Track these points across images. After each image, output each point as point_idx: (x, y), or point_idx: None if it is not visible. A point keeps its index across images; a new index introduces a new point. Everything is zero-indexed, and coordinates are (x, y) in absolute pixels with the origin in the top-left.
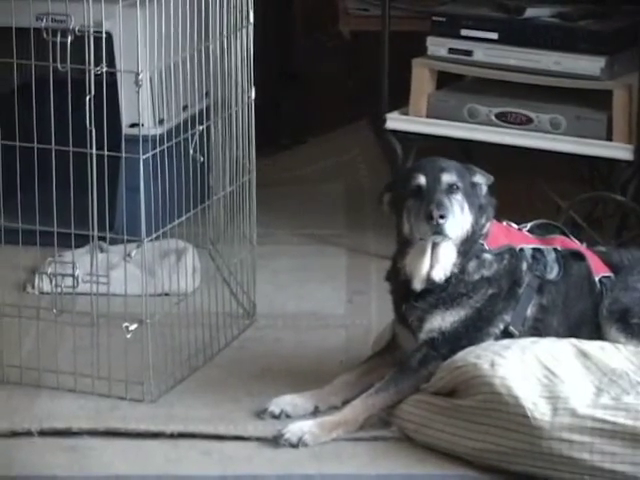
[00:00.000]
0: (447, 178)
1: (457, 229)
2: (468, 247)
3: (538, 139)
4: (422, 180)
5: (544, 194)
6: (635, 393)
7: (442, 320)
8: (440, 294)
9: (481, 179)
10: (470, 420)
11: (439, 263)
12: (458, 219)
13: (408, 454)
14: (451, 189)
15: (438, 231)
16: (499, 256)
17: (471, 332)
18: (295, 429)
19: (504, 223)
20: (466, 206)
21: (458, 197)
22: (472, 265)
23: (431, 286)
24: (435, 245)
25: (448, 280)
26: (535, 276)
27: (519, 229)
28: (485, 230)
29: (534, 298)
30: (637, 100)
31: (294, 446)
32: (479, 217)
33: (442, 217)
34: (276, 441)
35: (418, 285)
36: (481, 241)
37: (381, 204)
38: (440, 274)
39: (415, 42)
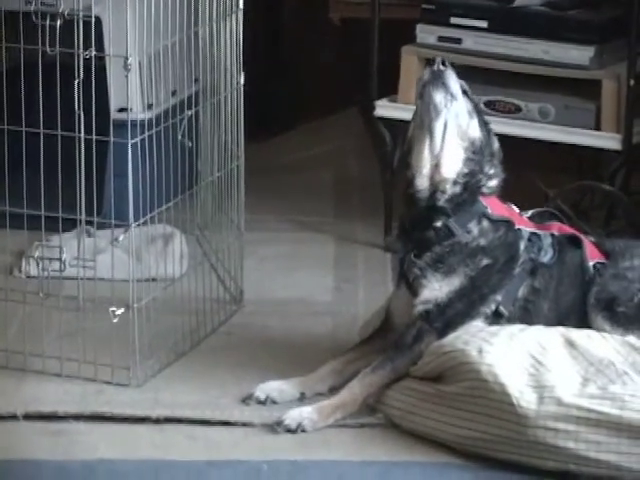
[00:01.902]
0: (463, 82)
1: (457, 113)
2: (471, 179)
3: (526, 128)
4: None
5: (532, 183)
6: (621, 383)
7: (439, 289)
8: (444, 249)
9: (496, 140)
10: (456, 407)
11: (447, 159)
12: (461, 109)
13: (394, 441)
14: (463, 90)
15: (436, 76)
16: (495, 225)
17: (465, 307)
18: (294, 415)
19: (506, 205)
20: (476, 117)
21: (468, 100)
22: (475, 228)
23: (437, 201)
24: (442, 141)
25: (450, 235)
26: (529, 258)
27: (519, 214)
28: (491, 184)
29: (526, 279)
30: (626, 90)
31: (293, 432)
32: (487, 155)
33: (444, 64)
34: (276, 427)
35: (421, 182)
36: (484, 202)
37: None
38: (449, 172)
39: (405, 30)
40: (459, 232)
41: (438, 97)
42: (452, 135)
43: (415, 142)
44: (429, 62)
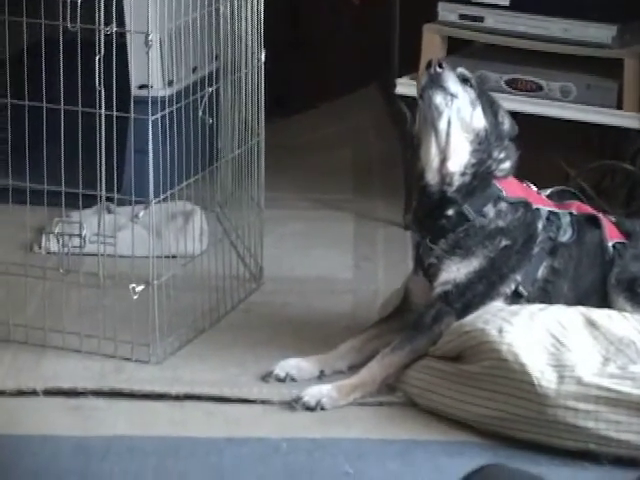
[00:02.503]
0: (462, 70)
1: (459, 109)
2: (482, 165)
3: (548, 107)
4: (435, 69)
5: (553, 162)
6: None
7: (457, 271)
8: (458, 235)
9: (505, 115)
10: (476, 386)
11: (452, 155)
12: (464, 103)
13: (413, 419)
14: (465, 80)
15: (434, 79)
16: (514, 206)
17: (484, 287)
18: (314, 392)
19: (524, 184)
20: (479, 107)
21: (470, 90)
22: (490, 211)
23: (447, 191)
24: (447, 136)
25: (466, 220)
26: (548, 237)
27: (537, 192)
28: (504, 167)
29: (546, 259)
30: None
31: (312, 409)
32: (494, 141)
33: (440, 66)
34: (294, 404)
35: (431, 177)
36: (498, 185)
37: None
38: (455, 165)
39: (426, 7)
40: (474, 217)
41: (438, 99)
42: (456, 130)
43: (422, 138)
44: (427, 65)
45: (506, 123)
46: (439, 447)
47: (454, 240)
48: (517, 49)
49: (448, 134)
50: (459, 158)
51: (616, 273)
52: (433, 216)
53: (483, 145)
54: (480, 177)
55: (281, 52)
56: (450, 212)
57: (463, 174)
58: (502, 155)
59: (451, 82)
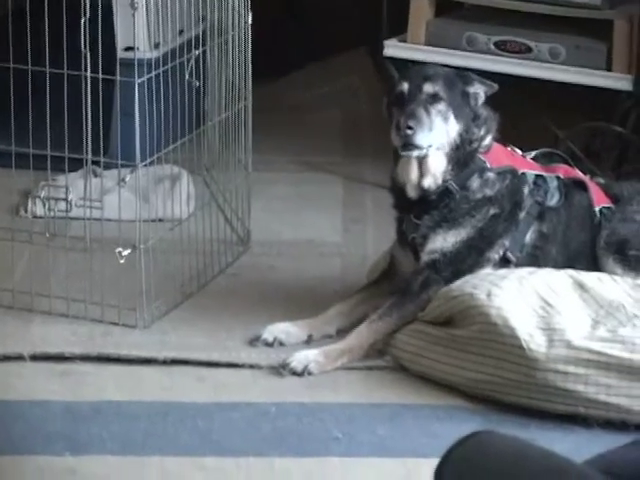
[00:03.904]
0: (429, 87)
1: (434, 139)
2: (462, 157)
3: (537, 68)
4: (404, 87)
5: (543, 124)
6: (632, 325)
7: (444, 240)
8: (443, 210)
9: (479, 88)
10: (465, 350)
11: (429, 171)
12: (438, 129)
13: (402, 384)
14: (433, 98)
15: (407, 142)
16: (501, 175)
17: (472, 255)
18: (301, 357)
19: (508, 148)
20: (451, 116)
21: (440, 107)
22: (475, 183)
23: (429, 198)
24: (425, 158)
25: (450, 196)
26: (536, 202)
27: (522, 156)
28: (486, 142)
29: (534, 224)
30: (637, 30)
31: (299, 375)
32: (472, 127)
33: (409, 128)
34: (281, 370)
35: (412, 193)
36: (482, 158)
37: (382, 110)
38: (430, 182)
39: None
40: (458, 190)
41: (415, 153)
42: (433, 153)
43: (400, 159)
44: (397, 127)
45: (480, 96)
46: (429, 411)
47: (439, 216)
48: (506, 10)
49: (426, 157)
50: (438, 173)
51: (605, 236)
52: (416, 201)
53: (460, 146)
54: (463, 160)
55: (270, 13)
56: (433, 197)
57: (443, 180)
58: (482, 132)
59: (423, 136)
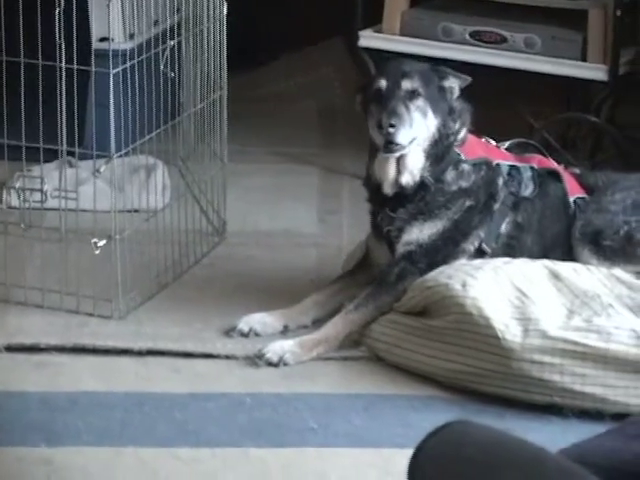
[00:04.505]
0: (407, 84)
1: (415, 136)
2: (440, 151)
3: (512, 59)
4: (382, 84)
5: (518, 114)
6: (606, 315)
7: (420, 232)
8: (418, 203)
9: (454, 82)
10: (441, 340)
11: (407, 168)
12: (418, 125)
13: (378, 374)
14: (411, 95)
15: (389, 140)
16: (476, 167)
17: (448, 246)
18: (276, 348)
19: (482, 139)
20: (429, 111)
21: (419, 102)
22: (450, 175)
23: (405, 192)
24: (403, 156)
25: (426, 189)
26: (510, 193)
27: (497, 146)
28: (461, 136)
29: (509, 215)
30: (612, 20)
31: (275, 365)
32: (449, 121)
33: (392, 126)
34: (256, 360)
35: (388, 190)
36: (457, 150)
37: (355, 105)
38: (408, 179)
39: None
40: (433, 183)
41: (397, 152)
42: (412, 150)
43: (379, 155)
44: (379, 125)
45: (455, 90)
46: (405, 401)
47: (414, 208)
48: (481, 1)
49: (404, 155)
50: (415, 169)
51: (580, 226)
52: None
53: (439, 145)
54: (440, 154)
55: (245, 4)
56: (409, 191)
57: (420, 177)
58: (457, 125)
59: (404, 134)
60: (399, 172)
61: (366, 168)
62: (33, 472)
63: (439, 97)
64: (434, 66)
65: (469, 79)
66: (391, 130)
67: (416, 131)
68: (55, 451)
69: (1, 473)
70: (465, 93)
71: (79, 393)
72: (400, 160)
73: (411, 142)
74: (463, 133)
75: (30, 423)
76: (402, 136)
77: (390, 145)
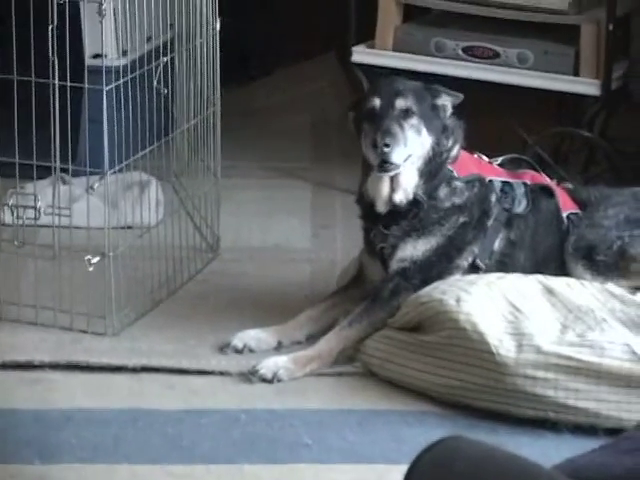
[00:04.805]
0: (401, 103)
1: (410, 154)
2: (433, 169)
3: (505, 74)
4: (376, 103)
5: (511, 129)
6: (600, 330)
7: (414, 249)
8: (412, 220)
9: (446, 100)
10: (435, 356)
11: (400, 186)
12: (412, 144)
13: (372, 389)
14: (405, 113)
15: (384, 159)
16: (469, 184)
17: (442, 262)
18: (270, 364)
19: (475, 155)
20: (424, 129)
21: (413, 121)
22: (443, 192)
23: (398, 210)
24: (397, 174)
25: (419, 206)
26: (503, 209)
27: (489, 162)
28: (454, 153)
29: (502, 232)
30: (605, 35)
31: (269, 381)
32: (442, 139)
33: (387, 146)
34: (250, 377)
35: (382, 208)
36: (450, 167)
37: (347, 123)
38: (402, 197)
39: None
40: (426, 201)
41: (392, 171)
42: (405, 169)
43: (371, 174)
44: (373, 144)
45: (448, 108)
46: (398, 417)
47: (408, 226)
48: (474, 16)
49: (397, 173)
50: (409, 188)
51: (573, 241)
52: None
53: (433, 163)
54: (433, 172)
55: (238, 19)
56: (402, 209)
57: (414, 195)
58: (450, 143)
59: (398, 153)
60: (392, 190)
61: (359, 186)
62: None
63: (432, 115)
64: (427, 84)
65: (461, 97)
66: (386, 150)
67: (410, 150)
68: (49, 468)
69: None
70: (458, 109)
71: (73, 410)
72: (394, 178)
73: (405, 161)
74: (456, 150)
75: (23, 440)
76: (397, 155)
77: (385, 165)
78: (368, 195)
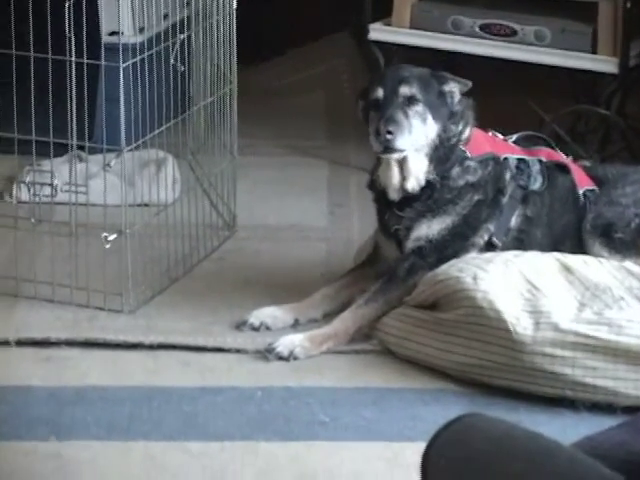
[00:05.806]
0: (405, 90)
1: (414, 141)
2: (443, 153)
3: (522, 51)
4: (380, 93)
5: (528, 107)
6: (617, 308)
7: (429, 228)
8: (426, 202)
9: (454, 86)
10: (452, 334)
11: (411, 174)
12: (417, 131)
13: (389, 367)
14: (410, 101)
15: (388, 146)
16: (483, 163)
17: (458, 240)
18: (286, 342)
19: (489, 133)
20: (429, 116)
21: (418, 108)
22: (455, 171)
23: (410, 195)
24: (406, 162)
25: (432, 187)
26: (519, 186)
27: (504, 140)
28: (465, 136)
29: (518, 208)
30: (622, 13)
31: (285, 359)
32: (449, 125)
33: (390, 133)
34: (266, 354)
35: (394, 195)
36: (462, 147)
37: (357, 111)
38: (414, 184)
39: None
40: (439, 181)
41: (396, 156)
42: (413, 155)
43: (382, 162)
44: (376, 132)
45: (456, 94)
46: (415, 395)
47: (422, 207)
48: None
49: (406, 159)
50: (420, 174)
51: (591, 219)
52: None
53: (442, 149)
54: (444, 156)
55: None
56: (414, 188)
57: (425, 180)
58: (460, 127)
59: (402, 140)
60: (404, 178)
61: (370, 172)
62: (42, 466)
63: (439, 102)
64: (434, 71)
65: (469, 84)
66: (389, 137)
67: (415, 137)
68: (64, 445)
69: (10, 467)
70: (474, 87)
71: (88, 387)
72: (404, 166)
73: (410, 147)
74: (467, 132)
75: (39, 417)
76: (400, 142)
77: (388, 150)
78: (379, 183)
